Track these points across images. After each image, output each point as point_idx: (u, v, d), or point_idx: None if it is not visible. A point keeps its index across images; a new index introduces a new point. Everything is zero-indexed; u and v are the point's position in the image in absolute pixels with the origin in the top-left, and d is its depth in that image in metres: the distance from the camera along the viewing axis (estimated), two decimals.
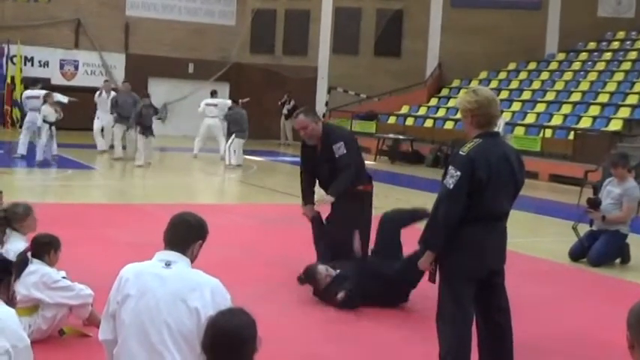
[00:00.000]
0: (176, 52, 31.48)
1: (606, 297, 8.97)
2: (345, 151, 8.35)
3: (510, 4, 30.74)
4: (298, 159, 24.55)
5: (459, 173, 5.20)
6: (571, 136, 23.00)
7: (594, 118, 24.16)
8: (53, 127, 19.01)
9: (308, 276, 7.90)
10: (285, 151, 28.81)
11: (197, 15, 32.76)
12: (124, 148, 21.35)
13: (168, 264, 4.29)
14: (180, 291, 4.18)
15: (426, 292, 7.47)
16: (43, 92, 19.91)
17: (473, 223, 5.27)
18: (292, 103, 30.93)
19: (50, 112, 18.98)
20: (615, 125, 23.14)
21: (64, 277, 6.09)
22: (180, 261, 4.32)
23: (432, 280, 5.49)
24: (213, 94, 23.32)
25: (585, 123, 24.03)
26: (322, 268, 7.86)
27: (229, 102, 22.59)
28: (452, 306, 5.39)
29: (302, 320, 7.36)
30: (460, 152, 5.31)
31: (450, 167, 5.28)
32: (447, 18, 31.21)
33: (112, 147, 21.64)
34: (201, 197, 16.24)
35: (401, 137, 26.92)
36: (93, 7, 30.53)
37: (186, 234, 4.42)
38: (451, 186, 5.21)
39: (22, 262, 5.81)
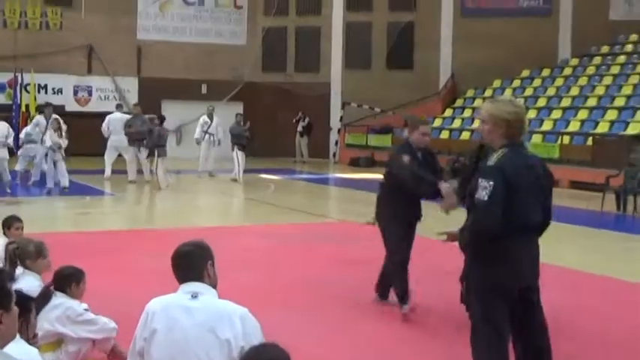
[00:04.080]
0: (188, 74, 31.51)
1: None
2: None
3: (521, 11, 30.66)
4: (314, 176, 24.44)
5: (491, 183, 5.07)
6: (589, 142, 22.81)
7: (612, 122, 23.96)
8: (58, 153, 18.79)
9: None
10: (301, 168, 28.71)
11: (208, 36, 32.82)
12: (139, 172, 21.39)
13: (194, 295, 4.20)
14: (208, 322, 4.11)
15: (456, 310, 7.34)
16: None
17: (503, 238, 5.13)
18: (307, 120, 30.91)
19: (54, 138, 18.84)
20: (634, 129, 22.91)
21: (85, 310, 5.97)
22: (207, 292, 4.24)
23: (464, 301, 5.34)
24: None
25: (603, 128, 23.84)
26: None
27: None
28: (486, 325, 5.23)
29: (334, 348, 7.22)
30: (489, 164, 5.21)
31: (481, 180, 5.14)
32: (458, 28, 31.15)
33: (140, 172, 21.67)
34: (220, 219, 16.13)
35: None
36: (104, 33, 30.61)
37: (193, 264, 4.35)
38: (486, 197, 5.06)
39: (45, 296, 5.70)
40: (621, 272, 10.73)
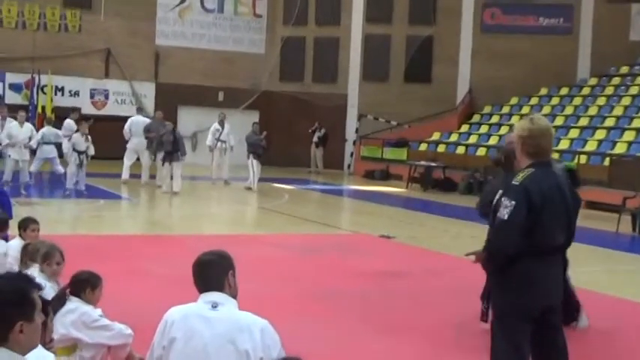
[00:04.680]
0: (206, 81, 31.54)
1: None
2: None
3: (541, 29, 30.57)
4: (329, 187, 24.49)
5: (513, 202, 5.02)
6: (606, 162, 22.68)
7: (629, 143, 23.81)
8: (83, 156, 18.94)
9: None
10: (315, 179, 28.65)
11: (227, 44, 32.83)
12: (152, 177, 21.47)
13: (214, 306, 4.15)
14: (228, 333, 4.05)
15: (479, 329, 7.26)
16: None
17: (527, 258, 5.08)
18: (323, 131, 30.87)
19: (80, 141, 18.97)
20: None
21: (100, 316, 5.90)
22: (227, 303, 4.19)
23: (484, 319, 5.27)
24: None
25: (620, 148, 23.70)
26: None
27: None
28: (506, 347, 5.16)
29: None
30: (514, 182, 5.16)
31: (504, 198, 5.10)
32: (478, 44, 31.07)
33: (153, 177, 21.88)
34: (234, 227, 16.07)
35: (433, 164, 26.68)
36: (123, 37, 30.67)
37: (214, 273, 4.29)
38: (506, 216, 5.03)
39: (60, 299, 5.65)
40: (634, 294, 10.62)
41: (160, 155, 21.01)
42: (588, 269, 12.85)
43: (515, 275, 5.08)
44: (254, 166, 22.13)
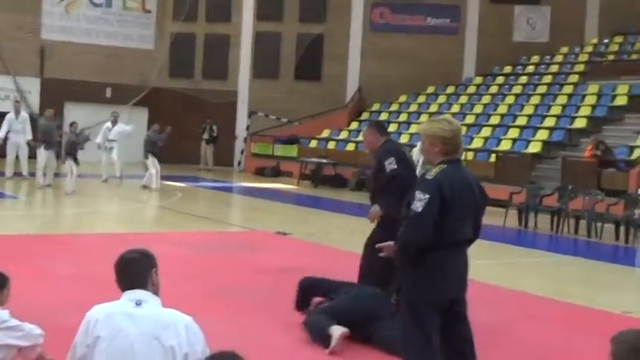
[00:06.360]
0: (93, 77, 30.99)
1: (550, 319, 9.04)
2: (395, 166, 8.27)
3: (428, 29, 31.24)
4: (220, 184, 24.60)
5: (427, 196, 5.20)
6: (492, 159, 23.34)
7: (514, 140, 24.59)
8: None
9: None
10: (205, 176, 28.54)
11: (115, 39, 32.35)
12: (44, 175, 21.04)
13: (138, 303, 4.16)
14: (153, 330, 4.07)
15: None
16: None
17: (435, 250, 5.26)
18: (215, 128, 30.79)
19: None
20: (534, 147, 23.59)
21: (9, 316, 5.79)
22: (151, 300, 4.21)
23: (397, 309, 5.44)
24: None
25: (505, 145, 24.44)
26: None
27: None
28: (417, 335, 5.33)
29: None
30: (427, 177, 5.35)
31: (417, 192, 5.27)
32: (367, 42, 31.54)
33: (32, 174, 21.46)
34: (130, 225, 15.87)
35: (323, 161, 26.96)
36: (7, 31, 29.84)
37: (137, 271, 4.30)
38: (420, 209, 5.19)
39: None
40: (523, 285, 11.02)
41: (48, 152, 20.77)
42: (478, 262, 13.20)
43: (425, 267, 5.26)
44: (156, 164, 21.85)
